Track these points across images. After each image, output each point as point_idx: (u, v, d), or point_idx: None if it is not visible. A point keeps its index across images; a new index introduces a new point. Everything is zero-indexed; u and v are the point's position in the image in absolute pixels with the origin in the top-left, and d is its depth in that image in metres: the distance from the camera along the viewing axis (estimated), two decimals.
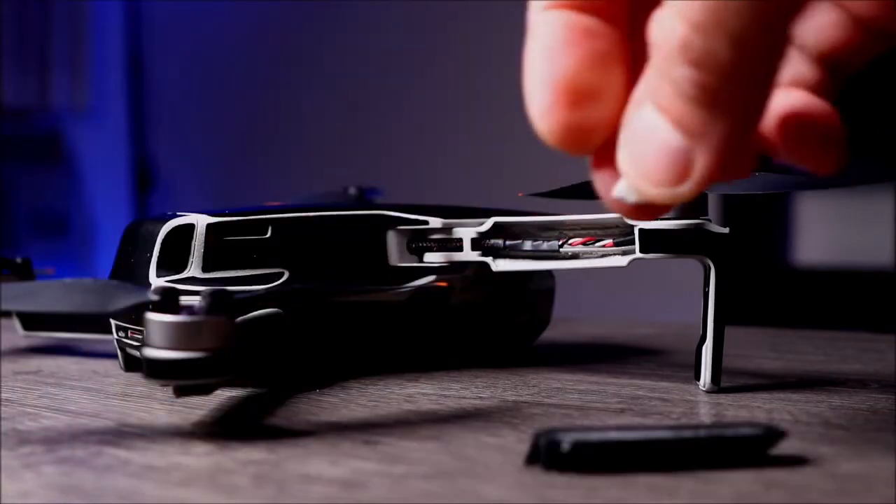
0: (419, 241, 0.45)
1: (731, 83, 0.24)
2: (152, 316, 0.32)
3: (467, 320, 0.47)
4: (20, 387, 0.43)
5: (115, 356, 0.47)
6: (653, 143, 0.25)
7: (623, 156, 0.25)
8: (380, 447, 0.31)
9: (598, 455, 0.28)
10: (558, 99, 0.26)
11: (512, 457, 0.30)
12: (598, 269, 0.42)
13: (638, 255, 0.40)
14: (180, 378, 0.32)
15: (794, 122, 0.28)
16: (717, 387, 0.39)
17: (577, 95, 0.25)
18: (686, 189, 0.25)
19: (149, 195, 2.86)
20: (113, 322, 0.44)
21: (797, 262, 1.89)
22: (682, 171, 0.25)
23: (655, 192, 0.25)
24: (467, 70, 2.16)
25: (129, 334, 0.43)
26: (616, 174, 0.26)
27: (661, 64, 0.24)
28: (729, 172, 0.26)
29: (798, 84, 0.29)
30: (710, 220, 0.39)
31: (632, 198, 0.26)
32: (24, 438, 0.33)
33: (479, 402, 0.38)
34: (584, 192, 0.42)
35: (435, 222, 0.44)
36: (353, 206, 0.46)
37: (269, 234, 0.43)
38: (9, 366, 0.49)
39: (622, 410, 0.36)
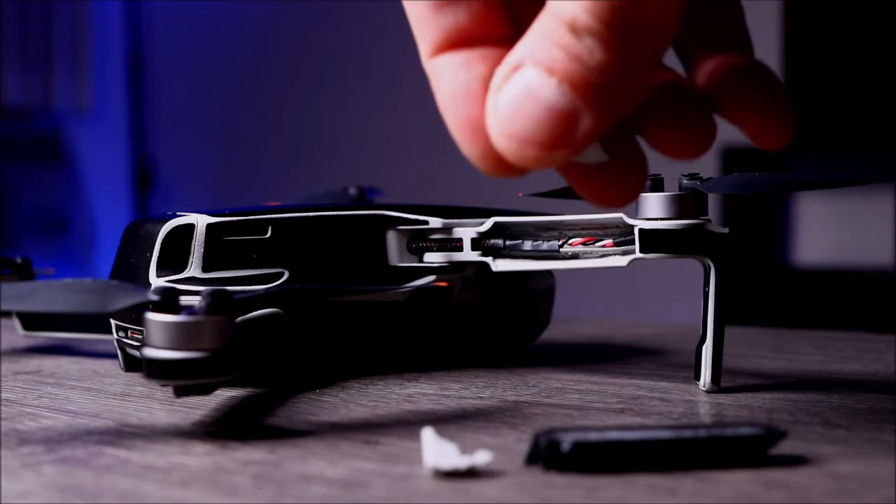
0: (419, 241, 0.45)
1: (629, 39, 0.24)
2: (152, 316, 0.32)
3: (467, 320, 0.47)
4: (20, 387, 0.43)
5: (115, 356, 0.47)
6: (534, 101, 0.24)
7: (495, 119, 0.25)
8: (380, 447, 0.31)
9: (598, 455, 0.28)
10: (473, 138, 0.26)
11: (512, 457, 0.30)
12: (598, 269, 0.42)
13: (638, 255, 0.40)
14: (180, 378, 0.32)
15: (740, 88, 0.28)
16: (717, 387, 0.39)
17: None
18: (564, 152, 0.24)
19: (149, 195, 2.86)
20: (113, 322, 0.44)
21: (797, 262, 1.89)
22: (564, 132, 0.24)
23: (532, 154, 0.24)
24: None
25: (129, 334, 0.43)
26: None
27: (551, 26, 0.24)
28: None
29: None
30: (710, 220, 0.39)
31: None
32: (24, 438, 0.33)
33: (479, 402, 0.38)
34: None
35: (435, 222, 0.44)
36: (353, 206, 0.46)
37: (269, 234, 0.43)
38: (9, 366, 0.49)
39: (622, 410, 0.36)
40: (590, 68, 0.24)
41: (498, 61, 0.26)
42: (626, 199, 0.27)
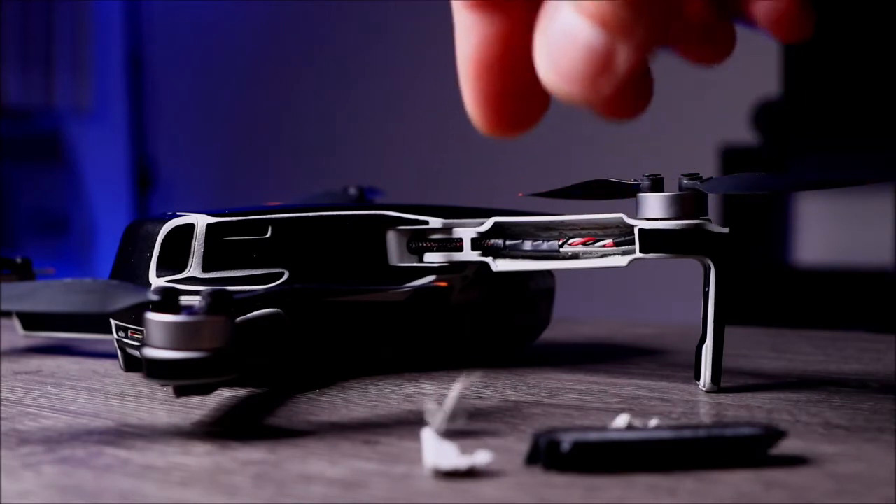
0: (419, 241, 0.45)
1: None
2: (152, 316, 0.32)
3: (467, 320, 0.47)
4: (20, 387, 0.43)
5: (115, 356, 0.47)
6: (573, 43, 0.26)
7: (543, 61, 0.27)
8: (380, 447, 0.31)
9: (598, 455, 0.28)
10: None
11: (512, 457, 0.30)
12: (598, 269, 0.42)
13: (638, 255, 0.40)
14: (180, 378, 0.32)
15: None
16: (717, 387, 0.39)
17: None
18: (607, 84, 0.26)
19: (149, 195, 2.86)
20: (113, 322, 0.44)
21: (797, 262, 1.89)
22: (603, 67, 0.26)
23: (578, 90, 0.26)
24: None
25: (129, 334, 0.43)
26: None
27: None
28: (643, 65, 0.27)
29: None
30: (710, 220, 0.39)
31: None
32: (24, 438, 0.33)
33: (479, 402, 0.38)
34: (584, 192, 0.42)
35: (435, 222, 0.44)
36: (353, 206, 0.46)
37: (269, 234, 0.43)
38: (9, 366, 0.49)
39: (622, 410, 0.36)
40: (619, 2, 0.25)
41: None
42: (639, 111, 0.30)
